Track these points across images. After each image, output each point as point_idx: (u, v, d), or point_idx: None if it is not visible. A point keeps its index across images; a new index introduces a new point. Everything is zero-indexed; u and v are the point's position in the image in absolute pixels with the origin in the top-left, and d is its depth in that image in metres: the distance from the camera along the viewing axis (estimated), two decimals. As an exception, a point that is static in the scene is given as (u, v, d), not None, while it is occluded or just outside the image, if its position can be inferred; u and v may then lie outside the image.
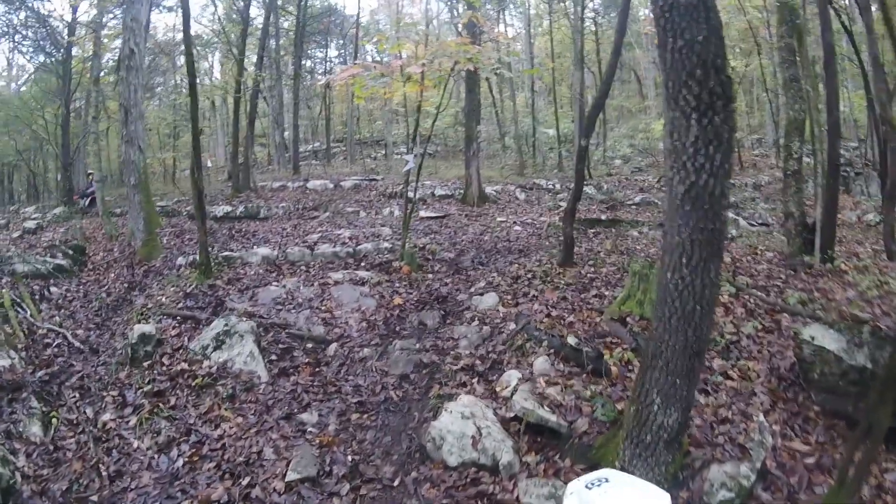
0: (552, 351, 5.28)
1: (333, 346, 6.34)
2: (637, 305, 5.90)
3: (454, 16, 23.49)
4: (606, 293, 6.74)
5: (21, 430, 4.97)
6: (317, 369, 5.88)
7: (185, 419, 4.99)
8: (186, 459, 4.43)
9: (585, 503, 1.32)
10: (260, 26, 20.09)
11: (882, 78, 8.89)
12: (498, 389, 4.90)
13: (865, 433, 3.12)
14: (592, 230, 10.92)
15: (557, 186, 16.47)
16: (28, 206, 19.47)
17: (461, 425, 4.24)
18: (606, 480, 1.42)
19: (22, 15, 19.92)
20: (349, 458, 4.37)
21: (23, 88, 24.21)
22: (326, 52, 32.48)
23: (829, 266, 7.25)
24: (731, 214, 10.31)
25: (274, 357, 6.05)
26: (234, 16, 21.60)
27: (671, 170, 3.14)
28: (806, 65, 7.91)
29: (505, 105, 25.43)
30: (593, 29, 23.54)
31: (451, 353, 5.84)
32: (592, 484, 1.41)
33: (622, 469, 3.33)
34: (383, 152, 26.47)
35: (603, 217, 12.22)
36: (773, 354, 5.09)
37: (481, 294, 7.28)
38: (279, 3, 21.28)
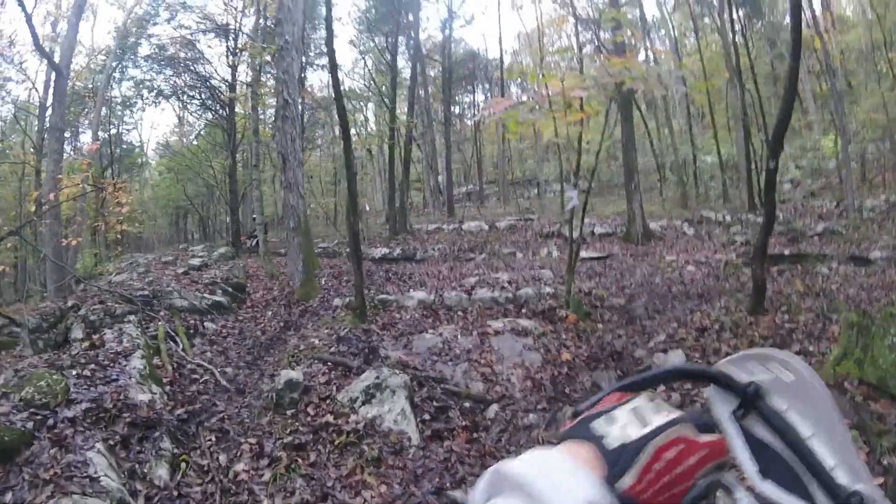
0: None
1: (494, 407, 5.51)
2: (856, 366, 4.66)
3: (599, 41, 22.62)
4: (811, 348, 5.52)
5: (147, 471, 4.75)
6: (474, 434, 5.08)
7: (324, 481, 4.45)
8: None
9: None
10: (408, 76, 20.72)
11: None
12: None
13: None
14: (776, 267, 9.39)
15: (727, 218, 14.83)
16: (197, 245, 20.84)
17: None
18: None
19: (186, 77, 22.10)
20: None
21: (194, 142, 26.59)
22: (473, 96, 32.93)
23: None
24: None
25: (427, 416, 5.35)
26: (383, 68, 22.37)
27: None
28: None
29: (659, 133, 23.89)
30: (742, 41, 21.44)
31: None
32: None
33: None
34: (536, 191, 25.96)
35: (786, 252, 10.55)
36: None
37: (664, 351, 6.18)
38: (424, 52, 21.76)
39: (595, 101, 8.14)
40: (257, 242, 16.51)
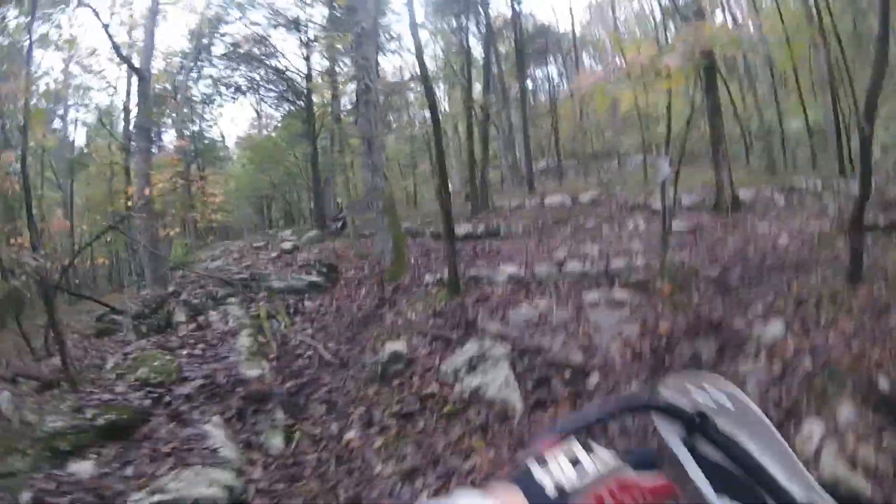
0: (860, 396, 4.18)
1: (594, 377, 5.60)
2: None
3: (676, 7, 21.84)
4: None
5: (262, 440, 5.09)
6: (577, 403, 5.20)
7: (433, 447, 4.66)
8: (432, 494, 4.06)
9: None
10: (480, 55, 20.87)
11: None
12: (796, 446, 3.90)
13: None
14: (870, 237, 8.94)
15: (818, 187, 14.19)
16: (285, 230, 21.61)
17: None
18: None
19: (262, 72, 22.85)
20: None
21: (272, 134, 27.47)
22: (547, 70, 32.35)
23: None
24: None
25: (529, 386, 5.49)
26: (455, 48, 22.41)
27: None
28: None
29: (743, 99, 22.93)
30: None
31: (735, 395, 4.83)
32: None
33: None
34: (616, 163, 25.43)
35: (880, 221, 9.99)
36: None
37: (762, 321, 6.02)
38: (495, 30, 21.67)
39: (682, 68, 8.00)
40: (343, 225, 16.98)
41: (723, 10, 24.18)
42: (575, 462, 0.75)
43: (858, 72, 17.33)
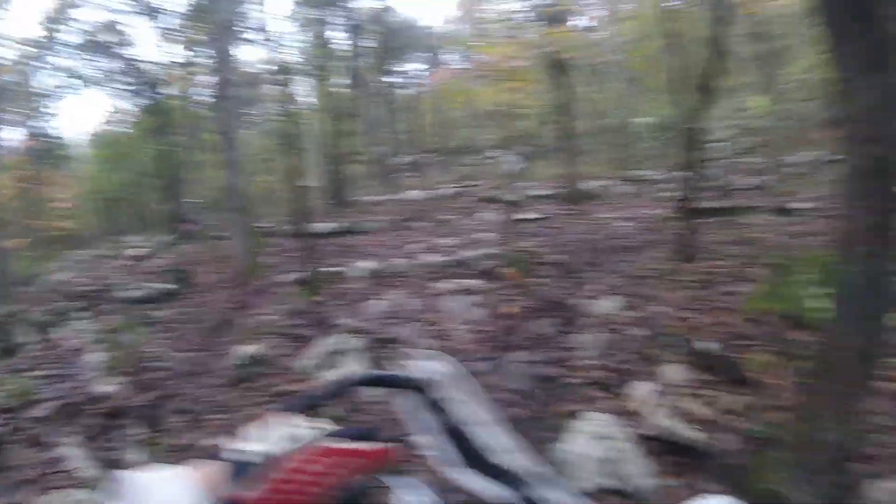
0: (685, 358, 4.77)
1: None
2: (777, 301, 5.23)
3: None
4: (737, 290, 6.07)
5: (122, 457, 4.96)
6: (427, 385, 5.45)
7: (293, 444, 4.72)
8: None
9: None
10: (345, 48, 20.87)
11: None
12: (628, 404, 4.43)
13: None
14: (707, 220, 10.01)
15: (661, 177, 15.39)
16: (135, 236, 20.38)
17: (592, 447, 3.78)
18: None
19: (115, 63, 21.16)
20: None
21: (128, 130, 25.80)
22: (411, 65, 32.60)
23: None
24: None
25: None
26: (320, 41, 22.12)
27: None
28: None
29: (595, 97, 24.44)
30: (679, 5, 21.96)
31: (572, 364, 5.35)
32: None
33: (785, 494, 2.91)
34: (475, 158, 26.13)
35: (717, 205, 11.20)
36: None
37: (599, 298, 6.65)
38: (360, 23, 21.69)
39: (534, 69, 8.44)
40: (198, 227, 16.24)
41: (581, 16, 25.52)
42: (289, 433, 0.84)
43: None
